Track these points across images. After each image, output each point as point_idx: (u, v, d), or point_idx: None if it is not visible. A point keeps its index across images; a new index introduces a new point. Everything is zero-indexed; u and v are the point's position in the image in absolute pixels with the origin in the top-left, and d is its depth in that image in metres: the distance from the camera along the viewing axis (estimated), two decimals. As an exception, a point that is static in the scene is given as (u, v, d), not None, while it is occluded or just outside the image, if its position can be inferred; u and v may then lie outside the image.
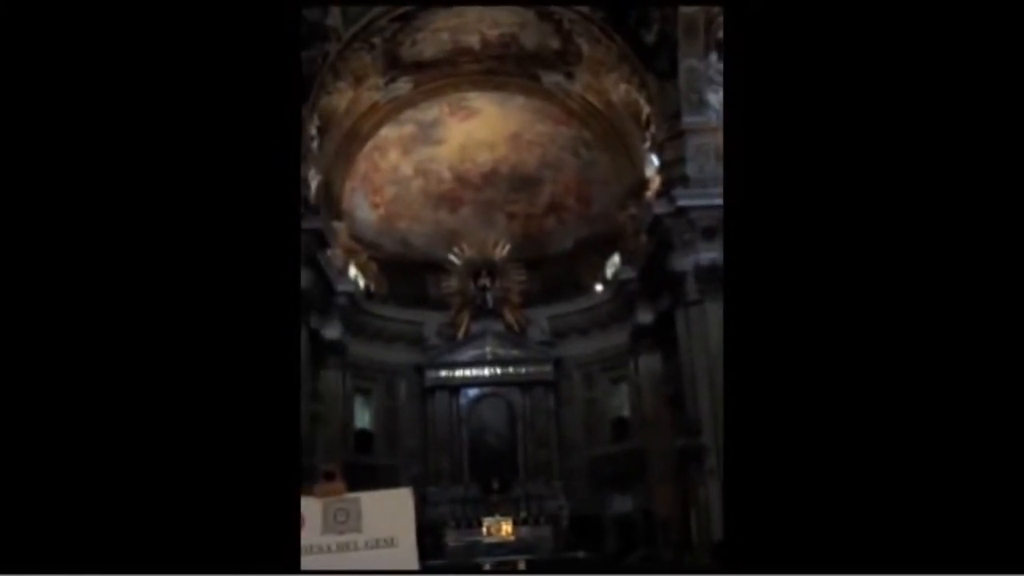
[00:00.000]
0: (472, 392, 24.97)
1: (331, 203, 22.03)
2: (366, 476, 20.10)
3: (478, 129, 24.33)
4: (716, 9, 17.74)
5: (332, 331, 21.82)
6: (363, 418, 24.10)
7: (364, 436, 23.89)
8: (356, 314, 23.16)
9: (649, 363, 22.20)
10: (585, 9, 19.13)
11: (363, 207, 24.86)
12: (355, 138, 22.66)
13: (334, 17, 18.52)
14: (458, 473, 23.99)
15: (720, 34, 17.73)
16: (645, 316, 22.04)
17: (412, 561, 3.37)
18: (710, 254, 17.43)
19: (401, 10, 19.09)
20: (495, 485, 23.28)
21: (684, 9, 17.97)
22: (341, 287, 21.93)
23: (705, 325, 17.33)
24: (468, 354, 25.01)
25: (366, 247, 24.66)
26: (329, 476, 3.51)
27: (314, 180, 20.11)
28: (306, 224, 18.40)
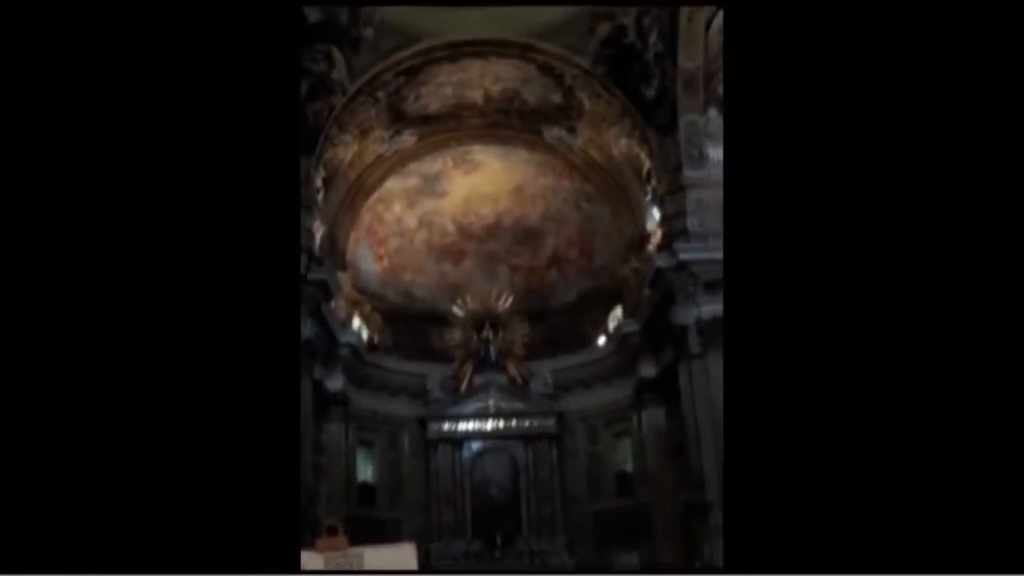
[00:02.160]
0: (475, 445, 24.72)
1: (335, 254, 22.12)
2: (369, 529, 19.88)
3: (481, 182, 24.51)
4: (716, 64, 18.01)
5: (335, 383, 21.73)
6: (366, 471, 23.89)
7: (367, 489, 23.65)
8: (359, 366, 23.10)
9: (653, 417, 22.01)
10: (586, 64, 19.39)
11: (367, 259, 24.96)
12: (360, 190, 22.82)
13: (339, 71, 18.78)
14: (461, 527, 23.68)
15: (720, 90, 17.98)
16: (648, 370, 21.92)
17: (414, 618, 3.35)
18: (712, 307, 17.37)
19: (406, 64, 19.37)
20: (499, 540, 22.96)
21: (683, 64, 18.23)
22: (344, 338, 21.87)
23: (708, 379, 17.25)
24: (471, 407, 24.83)
25: (370, 298, 24.66)
26: (332, 531, 3.50)
27: (319, 231, 20.23)
28: (311, 275, 18.47)
